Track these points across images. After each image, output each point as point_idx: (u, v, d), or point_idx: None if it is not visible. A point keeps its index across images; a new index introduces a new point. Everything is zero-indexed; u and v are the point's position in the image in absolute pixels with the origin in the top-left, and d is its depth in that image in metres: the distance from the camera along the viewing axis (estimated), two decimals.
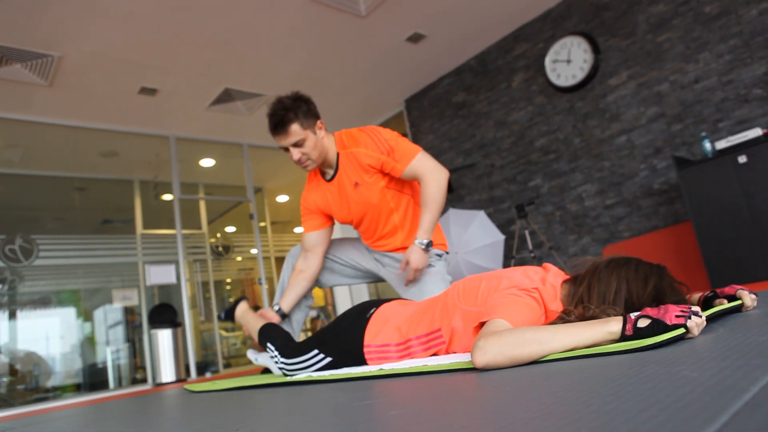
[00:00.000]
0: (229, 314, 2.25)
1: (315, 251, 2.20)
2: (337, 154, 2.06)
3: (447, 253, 2.21)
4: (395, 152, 2.00)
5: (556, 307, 1.16)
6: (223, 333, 6.56)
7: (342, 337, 1.59)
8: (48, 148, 5.15)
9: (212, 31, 3.86)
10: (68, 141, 5.07)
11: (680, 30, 3.64)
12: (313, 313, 6.45)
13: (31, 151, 5.08)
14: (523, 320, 1.06)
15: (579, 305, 1.09)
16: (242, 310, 2.22)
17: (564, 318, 1.06)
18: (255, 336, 1.98)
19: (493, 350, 0.92)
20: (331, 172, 2.09)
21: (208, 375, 5.46)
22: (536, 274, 1.25)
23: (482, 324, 1.07)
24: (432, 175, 1.99)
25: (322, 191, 2.14)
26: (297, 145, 1.94)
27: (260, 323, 1.98)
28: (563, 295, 1.20)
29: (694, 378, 0.52)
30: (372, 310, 1.57)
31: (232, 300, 6.92)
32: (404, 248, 2.17)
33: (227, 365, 5.97)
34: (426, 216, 1.99)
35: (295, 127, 1.92)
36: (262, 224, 6.64)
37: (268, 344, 1.83)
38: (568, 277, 1.25)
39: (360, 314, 1.60)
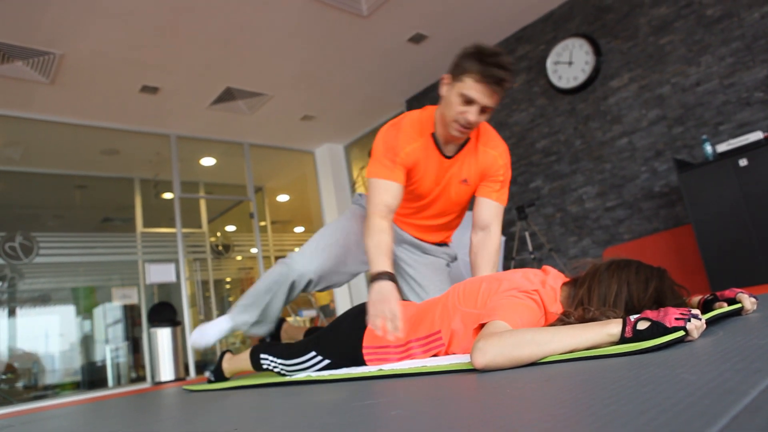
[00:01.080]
0: (217, 372, 2.08)
1: (395, 211, 1.77)
2: (467, 140, 1.80)
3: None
4: (503, 186, 1.86)
5: (556, 309, 1.16)
6: None
7: (341, 339, 1.59)
8: (49, 145, 5.15)
9: (214, 30, 3.86)
10: (69, 139, 5.07)
11: (682, 33, 3.64)
12: (313, 313, 6.44)
13: (31, 149, 5.08)
14: (522, 322, 1.06)
15: (579, 307, 1.09)
16: (227, 360, 2.07)
17: (564, 320, 1.06)
18: (250, 368, 1.93)
19: (492, 351, 0.92)
20: (450, 151, 1.79)
21: (206, 374, 5.45)
22: (536, 277, 1.25)
23: (482, 325, 1.07)
24: (499, 231, 1.87)
25: (428, 159, 1.77)
26: (486, 109, 1.63)
27: (246, 356, 1.93)
28: (563, 298, 1.20)
29: (694, 381, 0.52)
30: None
31: (231, 299, 6.92)
32: (438, 242, 2.05)
33: None
34: (488, 271, 1.82)
35: (502, 95, 1.64)
36: (263, 223, 6.64)
37: (262, 357, 1.81)
38: (567, 279, 1.25)
39: (359, 315, 1.59)
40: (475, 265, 1.86)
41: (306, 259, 1.89)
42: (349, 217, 2.02)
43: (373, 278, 1.57)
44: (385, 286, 1.52)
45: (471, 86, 1.57)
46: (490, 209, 1.84)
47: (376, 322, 1.41)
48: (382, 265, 1.59)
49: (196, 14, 3.65)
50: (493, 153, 1.82)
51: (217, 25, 3.80)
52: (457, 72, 1.60)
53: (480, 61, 1.56)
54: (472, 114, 1.61)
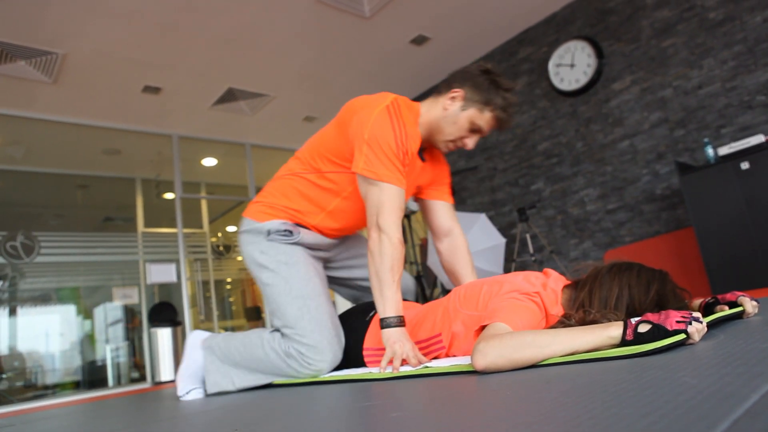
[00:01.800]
0: None
1: None
2: (424, 148, 1.66)
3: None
4: (450, 188, 1.82)
5: (557, 311, 1.16)
6: (223, 332, 6.56)
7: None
8: (51, 145, 5.16)
9: (216, 30, 3.87)
10: (71, 138, 5.08)
11: (684, 36, 3.64)
12: None
13: (33, 148, 5.09)
14: (523, 324, 1.06)
15: (580, 310, 1.09)
16: None
17: (564, 322, 1.06)
18: None
19: (493, 353, 0.91)
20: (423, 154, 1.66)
21: None
22: (537, 279, 1.25)
23: (483, 327, 1.07)
24: (461, 229, 1.78)
25: (413, 162, 1.59)
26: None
27: None
28: (564, 300, 1.20)
29: (695, 384, 0.52)
30: (372, 313, 1.56)
31: (232, 299, 6.92)
32: None
33: None
34: (470, 273, 1.75)
35: None
36: None
37: None
38: (569, 282, 1.25)
39: (360, 317, 1.59)
40: (453, 272, 1.76)
41: (323, 354, 1.50)
42: (305, 276, 1.59)
43: (384, 322, 1.36)
44: (398, 333, 1.34)
45: (488, 120, 1.51)
46: (448, 211, 1.77)
47: (396, 364, 1.26)
48: (393, 304, 1.36)
49: (198, 14, 3.65)
50: (444, 159, 1.78)
51: (219, 25, 3.81)
52: (478, 99, 1.50)
53: (504, 98, 1.50)
54: (472, 142, 1.55)
